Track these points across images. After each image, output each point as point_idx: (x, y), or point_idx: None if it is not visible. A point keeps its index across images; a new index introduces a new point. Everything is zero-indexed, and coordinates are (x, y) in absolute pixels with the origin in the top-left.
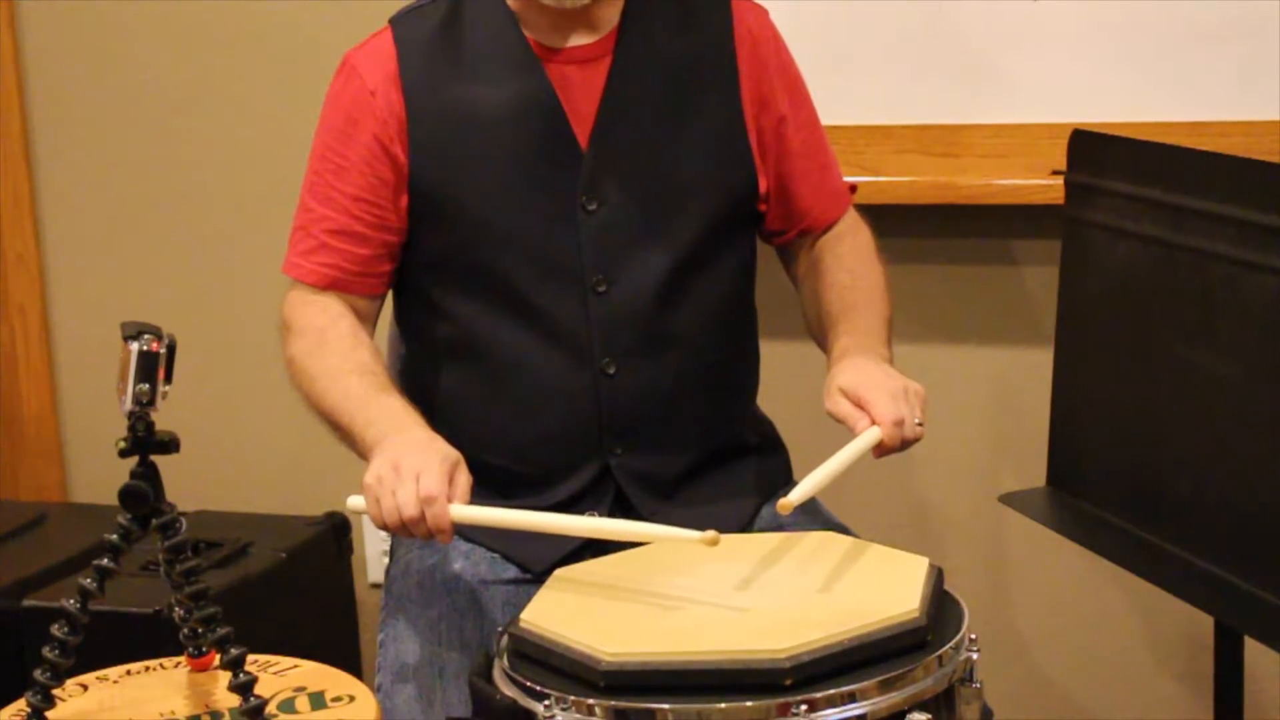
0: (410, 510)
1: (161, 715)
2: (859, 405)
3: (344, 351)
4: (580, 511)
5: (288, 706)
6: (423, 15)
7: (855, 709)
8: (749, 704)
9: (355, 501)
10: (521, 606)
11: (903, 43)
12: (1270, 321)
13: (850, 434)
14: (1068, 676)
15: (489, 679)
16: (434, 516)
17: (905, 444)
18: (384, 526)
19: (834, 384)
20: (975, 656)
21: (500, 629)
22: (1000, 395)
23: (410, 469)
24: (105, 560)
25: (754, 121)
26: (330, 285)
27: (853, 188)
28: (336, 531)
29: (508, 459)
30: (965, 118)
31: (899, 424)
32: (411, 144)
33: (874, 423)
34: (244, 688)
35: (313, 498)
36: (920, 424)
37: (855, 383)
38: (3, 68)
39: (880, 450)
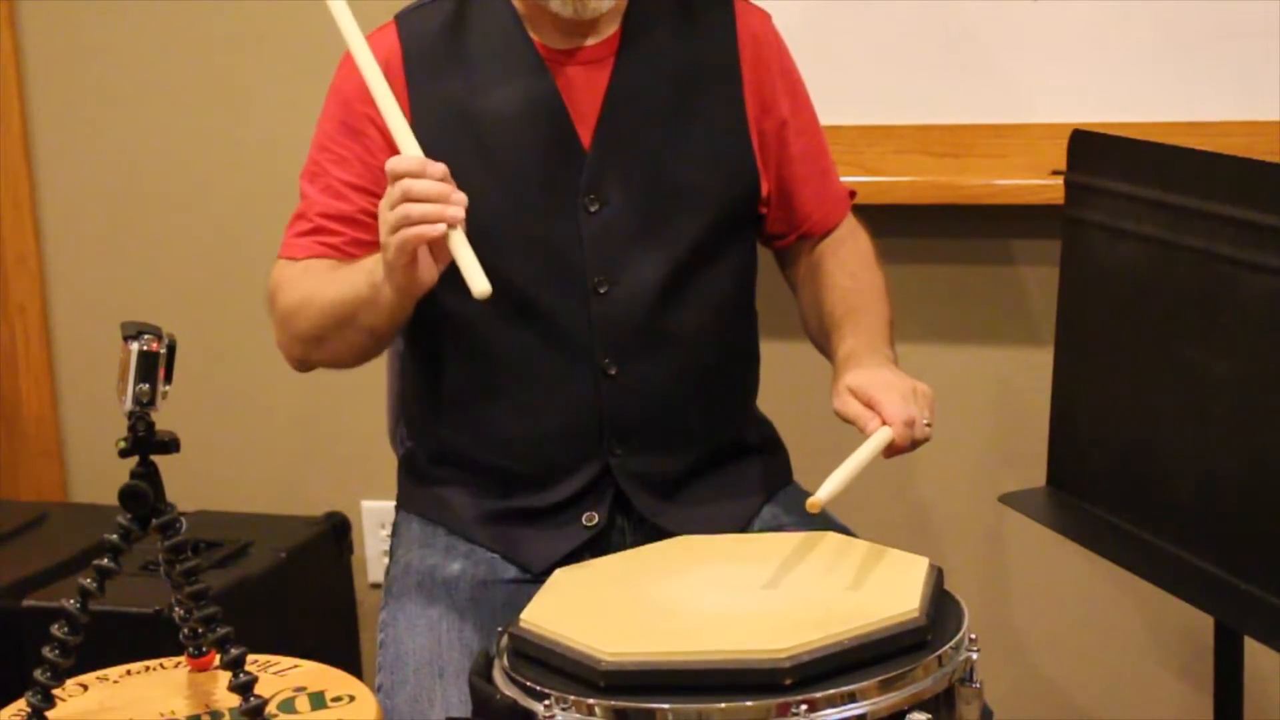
0: (438, 189)
1: (161, 715)
2: (869, 405)
3: (332, 266)
4: (580, 512)
5: (288, 706)
6: (428, 13)
7: (855, 709)
8: (749, 704)
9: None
10: (521, 606)
11: (903, 43)
12: (1270, 321)
13: (857, 434)
14: (1068, 676)
15: (489, 679)
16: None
17: (915, 444)
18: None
19: (843, 384)
20: (975, 656)
21: (500, 629)
22: (1000, 395)
23: (408, 189)
24: (105, 560)
25: (756, 125)
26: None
27: (852, 193)
28: (336, 531)
29: (508, 458)
30: (965, 118)
31: (910, 424)
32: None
33: (885, 423)
34: (244, 688)
35: (313, 498)
36: (929, 424)
37: (865, 383)
38: (3, 68)
39: (891, 450)
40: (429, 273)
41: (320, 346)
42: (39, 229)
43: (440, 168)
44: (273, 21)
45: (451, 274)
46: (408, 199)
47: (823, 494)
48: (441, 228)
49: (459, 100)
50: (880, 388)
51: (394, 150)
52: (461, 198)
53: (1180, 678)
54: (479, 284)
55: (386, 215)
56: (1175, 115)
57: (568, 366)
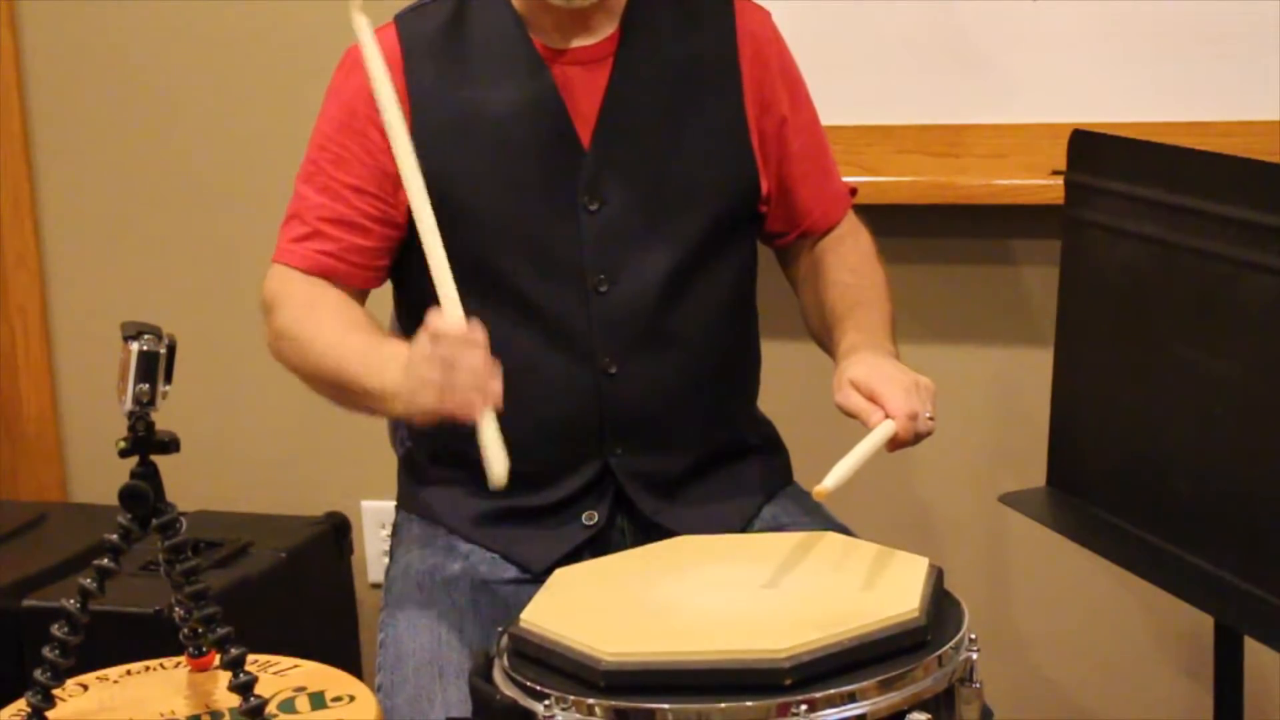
0: (483, 367)
1: (161, 715)
2: (871, 399)
3: (339, 313)
4: (580, 511)
5: (288, 706)
6: (427, 14)
7: (855, 709)
8: (749, 704)
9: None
10: (521, 606)
11: (903, 43)
12: (1270, 321)
13: (858, 433)
14: (1068, 676)
15: (489, 679)
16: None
17: (918, 438)
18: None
19: (845, 378)
20: (975, 656)
21: (500, 629)
22: (1000, 395)
23: (453, 360)
24: (105, 560)
25: (756, 123)
26: (321, 272)
27: (853, 190)
28: (336, 531)
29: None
30: (965, 118)
31: (913, 417)
32: (414, 139)
33: (888, 416)
34: (244, 688)
35: (313, 498)
36: (931, 418)
37: (867, 376)
38: (3, 68)
39: (894, 444)
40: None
41: (307, 383)
42: (39, 229)
43: (481, 336)
44: (273, 21)
45: (452, 273)
46: (452, 369)
47: (830, 482)
48: (477, 410)
49: (459, 99)
50: (883, 381)
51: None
52: (498, 373)
53: (1180, 678)
54: (496, 471)
55: (424, 371)
56: (1175, 115)
57: (568, 366)
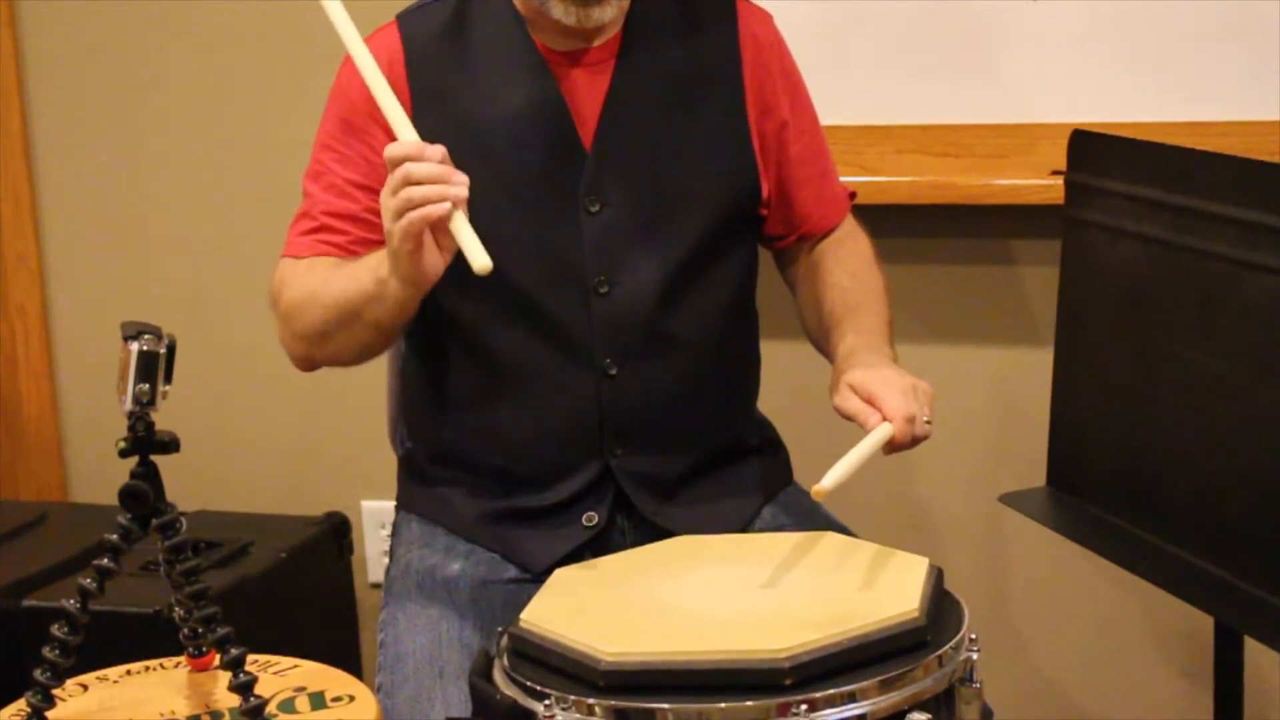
0: (439, 170)
1: (161, 715)
2: (869, 401)
3: (335, 263)
4: (580, 512)
5: (288, 706)
6: (429, 14)
7: (855, 709)
8: (749, 704)
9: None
10: (521, 606)
11: (903, 43)
12: (1270, 321)
13: (857, 435)
14: (1068, 676)
15: (489, 679)
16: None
17: (915, 441)
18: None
19: (843, 380)
20: (975, 656)
21: (500, 629)
22: (1000, 395)
23: (408, 174)
24: (105, 560)
25: (757, 126)
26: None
27: (852, 194)
28: (336, 531)
29: (508, 458)
30: (965, 118)
31: (910, 420)
32: None
33: (885, 419)
34: (244, 688)
35: (313, 498)
36: (929, 422)
37: (865, 379)
38: (3, 68)
39: (891, 447)
40: (434, 261)
41: (324, 343)
42: (39, 229)
43: (439, 150)
44: (273, 21)
45: (453, 274)
46: (409, 183)
47: (828, 482)
48: (446, 207)
49: (460, 101)
50: (881, 384)
51: None
52: (463, 178)
53: (1180, 678)
54: (480, 260)
55: (388, 202)
56: (1175, 115)
57: (568, 367)
